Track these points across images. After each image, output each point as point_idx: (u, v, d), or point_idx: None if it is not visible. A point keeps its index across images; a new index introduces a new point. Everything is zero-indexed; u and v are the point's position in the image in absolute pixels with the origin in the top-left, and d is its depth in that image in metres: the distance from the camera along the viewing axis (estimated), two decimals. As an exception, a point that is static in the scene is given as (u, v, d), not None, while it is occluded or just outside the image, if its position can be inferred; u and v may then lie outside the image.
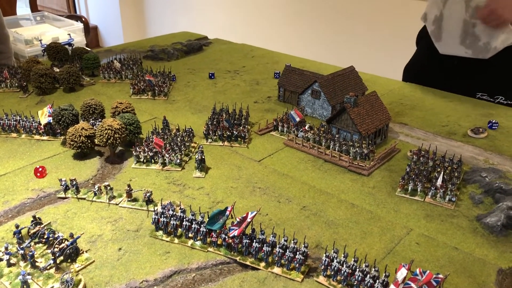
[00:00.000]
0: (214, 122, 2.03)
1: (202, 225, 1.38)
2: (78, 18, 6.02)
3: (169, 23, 6.63)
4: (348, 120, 1.92)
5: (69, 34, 5.25)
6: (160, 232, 1.42)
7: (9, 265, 1.28)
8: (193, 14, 6.42)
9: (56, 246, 1.28)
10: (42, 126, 2.00)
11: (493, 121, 2.12)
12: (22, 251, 1.28)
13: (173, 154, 1.79)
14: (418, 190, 1.64)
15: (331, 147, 1.90)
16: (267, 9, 5.52)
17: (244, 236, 1.32)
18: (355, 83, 2.29)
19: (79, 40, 5.51)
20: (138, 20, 7.36)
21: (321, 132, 1.96)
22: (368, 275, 1.20)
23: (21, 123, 2.04)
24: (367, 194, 1.66)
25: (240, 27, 5.82)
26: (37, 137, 2.02)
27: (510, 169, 1.77)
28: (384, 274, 1.20)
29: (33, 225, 1.39)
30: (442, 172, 1.63)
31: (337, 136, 1.92)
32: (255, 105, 2.38)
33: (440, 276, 1.11)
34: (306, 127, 1.98)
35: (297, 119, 2.02)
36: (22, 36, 4.98)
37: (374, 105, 1.99)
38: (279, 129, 2.08)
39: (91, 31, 7.92)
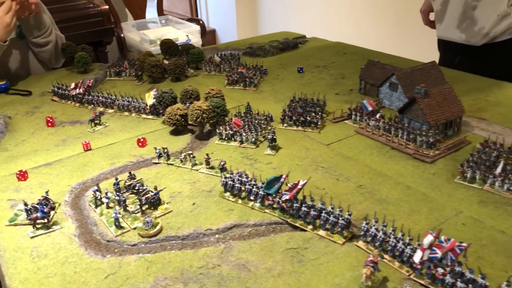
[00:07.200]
0: (291, 109, 2.22)
1: (260, 190, 1.59)
2: (197, 21, 6.60)
3: (280, 25, 6.95)
4: (418, 110, 1.99)
5: (187, 35, 5.83)
6: (228, 193, 1.66)
7: (108, 207, 1.61)
8: (302, 15, 6.66)
9: (143, 196, 1.58)
10: (148, 107, 2.37)
11: None
12: (117, 198, 1.61)
13: (249, 134, 2.02)
14: (477, 178, 1.67)
15: (399, 135, 1.99)
16: (371, 9, 5.57)
17: (295, 201, 1.51)
18: (436, 78, 2.33)
19: (196, 40, 6.07)
20: (252, 23, 7.81)
21: (392, 121, 2.05)
22: (401, 241, 1.31)
23: (132, 104, 2.43)
24: (425, 179, 1.73)
25: (343, 26, 5.93)
26: (144, 115, 2.39)
27: None
28: (408, 237, 1.30)
29: (129, 179, 1.72)
30: (502, 161, 1.64)
31: (406, 125, 2.00)
32: (336, 97, 2.52)
33: (464, 244, 1.19)
34: (377, 116, 2.09)
35: (369, 109, 2.13)
36: (147, 36, 5.62)
37: (447, 97, 2.03)
38: (353, 118, 2.20)
39: (209, 34, 8.57)
